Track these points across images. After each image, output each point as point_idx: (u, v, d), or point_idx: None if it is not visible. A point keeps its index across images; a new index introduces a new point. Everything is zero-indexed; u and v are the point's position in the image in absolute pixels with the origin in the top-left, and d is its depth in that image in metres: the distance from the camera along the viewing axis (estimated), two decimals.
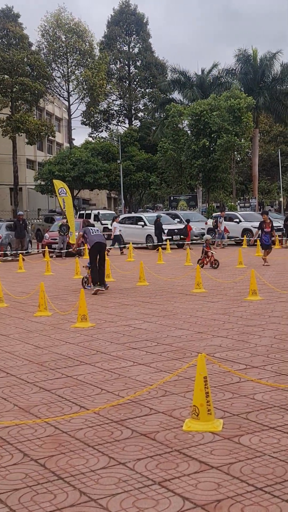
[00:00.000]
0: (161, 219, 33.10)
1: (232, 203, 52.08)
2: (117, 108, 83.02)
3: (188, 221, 34.52)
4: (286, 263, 22.36)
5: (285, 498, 4.08)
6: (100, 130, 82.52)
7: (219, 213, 35.24)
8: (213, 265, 20.59)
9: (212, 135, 50.14)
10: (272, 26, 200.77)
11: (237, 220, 35.67)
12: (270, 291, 14.46)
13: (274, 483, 4.31)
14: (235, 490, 4.22)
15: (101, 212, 53.41)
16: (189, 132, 54.16)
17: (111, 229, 42.46)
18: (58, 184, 33.13)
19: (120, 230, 32.13)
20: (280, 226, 35.67)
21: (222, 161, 50.70)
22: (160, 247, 28.21)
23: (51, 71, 64.71)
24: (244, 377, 6.73)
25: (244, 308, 12.25)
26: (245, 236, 33.65)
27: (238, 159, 63.04)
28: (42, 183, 61.82)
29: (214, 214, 40.29)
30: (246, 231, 34.47)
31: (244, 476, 4.45)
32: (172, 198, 53.63)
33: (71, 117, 69.52)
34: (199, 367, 5.34)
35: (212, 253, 20.68)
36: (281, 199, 75.46)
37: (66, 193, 32.51)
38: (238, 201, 78.73)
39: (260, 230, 21.67)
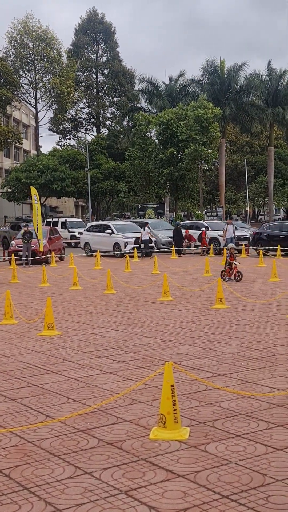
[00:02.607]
0: (179, 226, 34.98)
1: (199, 212, 52.44)
2: (85, 116, 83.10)
3: (207, 228, 35.20)
4: (252, 271, 22.55)
5: (251, 506, 4.09)
6: (67, 137, 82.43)
7: (227, 220, 35.57)
8: (236, 277, 18.83)
9: (180, 144, 50.47)
10: (236, 35, 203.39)
11: (204, 228, 35.89)
12: (237, 299, 14.56)
13: (240, 491, 4.33)
14: (201, 499, 4.22)
15: (69, 220, 53.23)
16: (156, 141, 54.43)
17: (78, 237, 42.44)
18: (33, 191, 33.18)
19: (149, 234, 33.05)
20: (246, 235, 36.00)
21: (189, 170, 51.08)
22: (127, 255, 28.21)
23: (18, 78, 64.44)
24: (210, 385, 6.75)
25: (211, 316, 12.31)
26: (212, 244, 33.87)
27: (205, 168, 63.51)
28: (9, 190, 61.34)
29: (181, 223, 40.49)
30: (213, 240, 34.72)
31: (210, 484, 4.45)
32: (139, 206, 53.73)
33: (39, 124, 69.28)
34: (166, 375, 5.34)
35: (235, 264, 18.85)
36: (247, 209, 76.30)
37: (37, 201, 32.51)
38: (205, 210, 79.38)
39: None
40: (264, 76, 62.25)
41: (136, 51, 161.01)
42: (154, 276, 21.34)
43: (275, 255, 28.62)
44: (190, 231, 35.81)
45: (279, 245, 29.91)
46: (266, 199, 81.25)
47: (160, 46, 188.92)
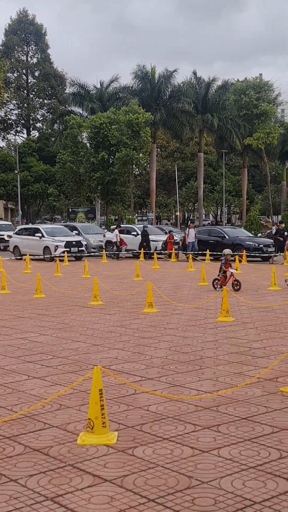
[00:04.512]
0: (146, 229, 35.42)
1: (130, 216, 52.65)
2: (15, 118, 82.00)
3: (170, 231, 35.48)
4: (181, 275, 22.81)
5: (177, 509, 4.12)
6: None
7: (189, 224, 35.39)
8: (234, 286, 16.90)
9: (111, 148, 50.56)
10: (165, 41, 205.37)
11: (135, 233, 36.02)
12: (166, 303, 14.68)
13: (166, 494, 4.35)
14: (128, 503, 4.22)
15: None
16: (88, 144, 54.31)
17: (7, 240, 41.75)
18: None
19: (117, 236, 34.47)
20: (176, 240, 36.32)
21: (120, 175, 51.23)
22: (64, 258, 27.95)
23: None
24: (139, 389, 6.77)
25: (141, 320, 12.36)
26: (142, 249, 34.00)
27: (136, 173, 63.88)
28: None
29: (112, 227, 40.53)
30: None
31: (137, 488, 4.46)
32: (70, 210, 53.44)
33: None
34: (95, 379, 5.32)
35: (232, 272, 17.13)
36: (178, 213, 77.11)
37: None
38: (136, 215, 79.70)
39: None
40: (194, 84, 63.25)
41: (66, 53, 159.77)
42: (84, 280, 21.24)
43: (204, 260, 29.04)
44: (122, 235, 35.87)
45: (208, 250, 30.35)
46: (196, 204, 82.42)
47: (90, 48, 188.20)
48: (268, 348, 9.30)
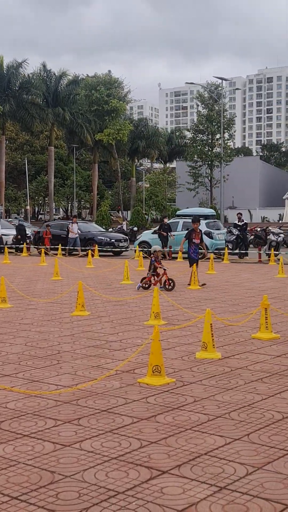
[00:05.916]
0: (22, 223, 36.31)
1: None
2: None
3: (48, 226, 34.10)
4: (34, 270, 22.54)
5: (41, 504, 4.08)
6: None
7: (72, 219, 33.77)
8: (167, 286, 15.57)
9: None
10: (12, 30, 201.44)
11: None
12: (20, 298, 14.43)
13: (29, 491, 4.29)
14: None
15: None
16: None
17: None
18: None
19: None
20: (28, 234, 35.83)
21: None
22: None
23: None
24: None
25: None
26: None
27: None
28: None
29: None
30: None
31: None
32: None
33: None
34: None
35: (164, 269, 15.72)
36: (28, 207, 76.08)
37: None
38: None
39: (187, 241, 17.07)
40: (44, 76, 62.69)
41: None
42: None
43: (56, 254, 28.92)
44: None
45: (60, 244, 30.26)
46: (46, 198, 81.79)
47: None
48: (124, 341, 9.47)
